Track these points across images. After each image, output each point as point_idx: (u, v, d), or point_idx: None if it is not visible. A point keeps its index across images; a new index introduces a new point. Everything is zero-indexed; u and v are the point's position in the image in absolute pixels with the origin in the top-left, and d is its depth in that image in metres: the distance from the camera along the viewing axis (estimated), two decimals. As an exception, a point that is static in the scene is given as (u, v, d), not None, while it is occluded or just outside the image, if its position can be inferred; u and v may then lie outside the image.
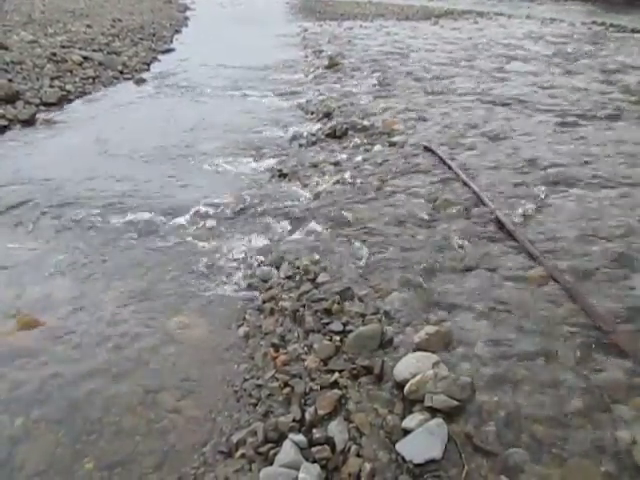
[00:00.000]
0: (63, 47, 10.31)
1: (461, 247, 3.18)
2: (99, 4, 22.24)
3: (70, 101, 7.45)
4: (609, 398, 2.04)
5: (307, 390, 2.18)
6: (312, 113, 6.71)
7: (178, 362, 2.47)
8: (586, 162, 4.53)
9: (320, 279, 2.90)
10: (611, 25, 16.81)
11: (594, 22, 18.01)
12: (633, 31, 15.14)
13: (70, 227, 3.72)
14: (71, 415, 2.16)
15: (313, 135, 5.69)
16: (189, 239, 3.53)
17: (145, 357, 2.49)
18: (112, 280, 3.10)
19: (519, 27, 16.85)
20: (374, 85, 7.89)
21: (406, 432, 1.93)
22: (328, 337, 2.46)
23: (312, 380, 2.23)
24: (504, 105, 6.55)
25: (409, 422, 1.95)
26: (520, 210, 3.61)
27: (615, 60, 9.98)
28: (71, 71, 8.73)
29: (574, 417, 1.96)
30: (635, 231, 3.31)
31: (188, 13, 23.81)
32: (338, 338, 2.44)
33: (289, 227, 3.62)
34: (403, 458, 1.85)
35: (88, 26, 13.94)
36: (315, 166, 4.74)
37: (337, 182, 4.28)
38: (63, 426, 2.12)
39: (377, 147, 5.11)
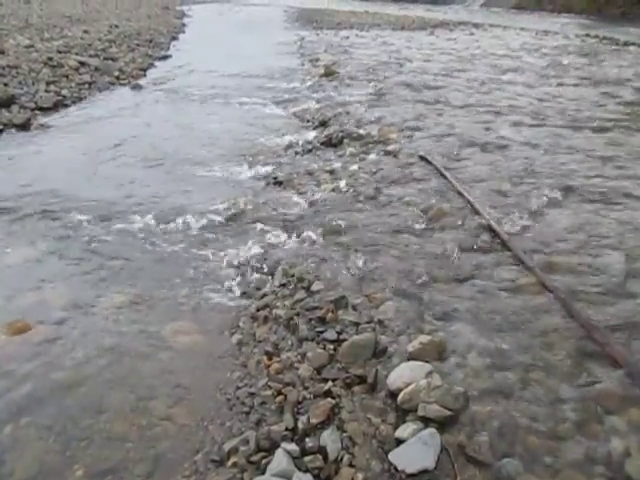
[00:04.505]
0: (59, 52, 10.34)
1: (455, 257, 3.19)
2: (96, 9, 22.31)
3: (66, 106, 7.44)
4: (602, 409, 2.04)
5: (300, 399, 2.17)
6: (308, 121, 6.73)
7: (170, 369, 2.45)
8: (581, 173, 4.57)
9: (314, 287, 2.89)
10: (605, 38, 17.03)
11: (588, 35, 18.24)
12: (626, 44, 15.34)
13: (63, 232, 3.70)
14: (61, 422, 2.14)
15: (309, 143, 5.70)
16: (183, 246, 3.52)
17: (137, 364, 2.47)
18: (105, 286, 3.08)
19: (514, 38, 17.03)
20: (370, 94, 7.93)
21: (399, 442, 1.92)
22: (322, 346, 2.45)
23: (305, 389, 2.22)
24: (499, 116, 6.60)
25: (402, 432, 1.95)
26: (514, 220, 3.63)
27: (609, 72, 10.10)
28: (67, 76, 8.74)
29: (567, 428, 1.96)
30: (629, 242, 3.33)
31: (185, 20, 23.89)
32: (332, 347, 2.43)
33: (284, 235, 3.61)
34: (396, 468, 1.84)
35: (85, 31, 13.98)
36: (310, 174, 4.74)
37: (332, 190, 4.29)
38: (53, 433, 2.09)
39: (372, 156, 5.12)
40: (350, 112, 6.82)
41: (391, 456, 1.87)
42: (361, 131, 5.85)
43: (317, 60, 11.63)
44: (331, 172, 4.74)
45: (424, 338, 2.38)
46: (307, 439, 1.98)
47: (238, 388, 2.31)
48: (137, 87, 8.93)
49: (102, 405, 2.22)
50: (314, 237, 3.52)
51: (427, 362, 2.25)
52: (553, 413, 2.03)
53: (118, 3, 26.23)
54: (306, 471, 1.86)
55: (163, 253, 3.45)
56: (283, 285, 3.00)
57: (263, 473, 1.87)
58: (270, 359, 2.44)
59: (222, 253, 3.42)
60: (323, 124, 6.40)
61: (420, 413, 2.00)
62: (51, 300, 2.95)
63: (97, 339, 2.62)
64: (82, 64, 9.57)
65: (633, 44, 15.16)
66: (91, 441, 2.06)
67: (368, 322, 2.58)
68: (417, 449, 1.86)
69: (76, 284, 3.11)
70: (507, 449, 1.89)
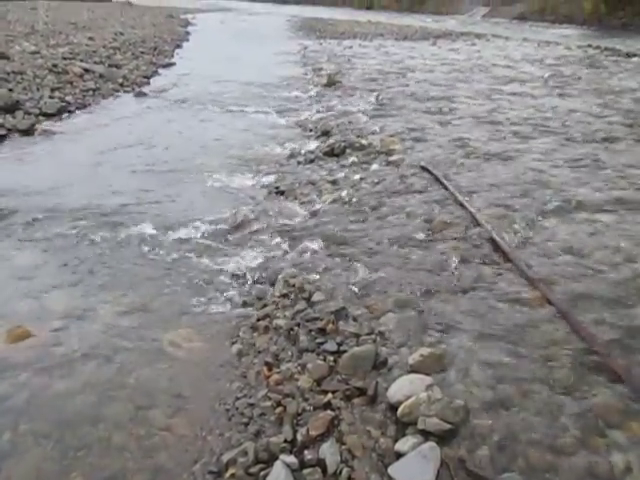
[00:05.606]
0: (64, 59, 10.41)
1: (457, 268, 3.18)
2: (102, 17, 22.48)
3: (70, 112, 7.48)
4: (604, 423, 2.03)
5: (300, 410, 2.15)
6: (310, 130, 6.74)
7: (170, 378, 2.44)
8: (583, 184, 4.57)
9: (315, 298, 2.88)
10: (606, 49, 17.15)
11: (589, 45, 18.35)
12: (628, 55, 15.42)
13: (65, 239, 3.70)
14: (60, 430, 2.13)
15: (311, 153, 5.71)
16: (185, 254, 3.52)
17: (137, 372, 2.46)
18: (106, 293, 3.08)
19: (516, 49, 17.15)
20: (372, 104, 7.96)
21: (399, 455, 1.91)
22: (322, 357, 2.44)
23: (305, 400, 2.21)
24: (501, 126, 6.62)
25: (402, 445, 1.93)
26: (516, 232, 3.62)
27: (611, 83, 10.14)
28: (71, 82, 8.79)
29: (568, 442, 1.95)
30: (631, 255, 3.32)
31: (189, 28, 24.07)
32: (332, 358, 2.42)
33: (285, 245, 3.61)
34: (395, 482, 1.83)
35: (90, 38, 14.09)
36: (313, 184, 4.74)
37: (334, 200, 4.29)
38: (51, 441, 2.08)
39: (375, 166, 5.13)
40: (352, 122, 6.84)
41: (391, 470, 1.86)
42: (363, 141, 5.85)
43: (320, 69, 11.70)
44: (333, 182, 4.74)
45: (425, 350, 2.37)
46: (306, 451, 1.97)
47: (237, 399, 2.30)
48: (141, 94, 8.97)
49: (101, 414, 2.21)
50: (315, 247, 3.52)
51: (427, 375, 2.24)
52: (554, 427, 2.01)
53: (123, 11, 26.41)
54: (305, 484, 1.85)
55: (164, 261, 3.45)
56: (284, 295, 2.98)
57: (261, 485, 1.86)
58: (270, 370, 2.43)
59: (223, 262, 3.42)
60: (325, 134, 6.41)
61: (420, 426, 1.98)
62: (51, 307, 2.95)
63: (96, 347, 2.62)
64: (87, 71, 9.63)
65: (635, 55, 15.23)
66: (89, 450, 2.05)
67: (369, 334, 2.57)
68: (417, 463, 1.85)
69: (76, 291, 3.11)
70: (508, 463, 1.87)
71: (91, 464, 1.99)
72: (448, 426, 1.97)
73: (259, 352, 2.59)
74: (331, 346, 2.50)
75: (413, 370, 2.29)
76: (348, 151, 5.62)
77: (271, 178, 4.96)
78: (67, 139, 6.28)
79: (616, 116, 7.25)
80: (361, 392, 2.22)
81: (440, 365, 2.32)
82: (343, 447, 1.97)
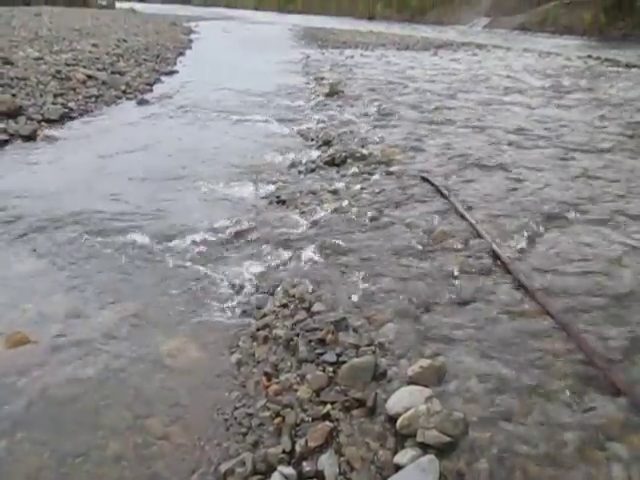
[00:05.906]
0: (68, 65, 10.45)
1: (457, 280, 3.18)
2: (105, 24, 22.61)
3: (72, 118, 7.51)
4: (604, 436, 2.02)
5: (298, 421, 2.15)
6: (312, 140, 6.75)
7: (168, 387, 2.44)
8: (582, 196, 4.58)
9: (315, 308, 2.88)
10: (606, 59, 17.24)
11: (590, 56, 18.45)
12: (628, 65, 15.50)
13: (65, 246, 3.70)
14: (57, 437, 2.13)
15: (312, 162, 5.71)
16: (184, 263, 3.52)
17: (135, 381, 2.46)
18: (105, 301, 3.08)
19: (516, 60, 17.23)
20: (374, 114, 7.98)
21: (397, 468, 1.90)
22: (321, 368, 2.44)
23: (304, 411, 2.20)
24: (502, 137, 6.64)
25: (401, 458, 1.93)
26: (516, 243, 3.63)
27: (610, 94, 10.18)
28: (74, 89, 8.83)
29: (568, 455, 1.94)
30: (630, 267, 3.33)
31: (192, 36, 24.21)
32: (331, 369, 2.42)
33: (286, 254, 3.61)
34: (394, 495, 1.82)
35: (94, 45, 14.16)
36: (313, 193, 4.74)
37: (335, 210, 4.29)
38: (48, 448, 2.08)
39: (375, 176, 5.13)
40: (354, 132, 6.85)
41: (389, 483, 1.86)
42: (364, 151, 5.85)
43: (322, 79, 11.73)
44: (334, 192, 4.74)
45: (424, 362, 2.36)
46: (304, 463, 1.96)
47: (236, 408, 2.29)
48: (143, 102, 9.00)
49: (98, 422, 2.21)
50: (316, 257, 3.52)
51: (427, 386, 2.23)
52: (553, 439, 2.01)
53: (127, 18, 26.59)
54: (303, 496, 1.84)
55: (164, 269, 3.45)
56: (284, 305, 2.98)
57: (259, 497, 1.85)
58: (269, 380, 2.43)
59: (223, 271, 3.42)
60: (327, 143, 6.41)
61: (419, 439, 1.97)
62: (50, 313, 2.95)
63: (95, 354, 2.62)
64: (90, 77, 9.67)
65: (635, 66, 15.30)
66: (86, 458, 2.04)
67: (368, 345, 2.56)
68: (415, 476, 1.84)
69: (75, 298, 3.11)
70: (507, 477, 1.86)
71: (88, 472, 1.99)
72: (447, 439, 1.96)
73: (258, 362, 2.59)
74: (330, 357, 2.49)
75: (412, 382, 2.28)
76: (349, 161, 5.63)
77: (272, 187, 4.97)
78: (69, 145, 6.30)
79: (616, 127, 7.28)
80: (360, 403, 2.21)
81: (439, 377, 2.32)
82: (342, 459, 1.97)
